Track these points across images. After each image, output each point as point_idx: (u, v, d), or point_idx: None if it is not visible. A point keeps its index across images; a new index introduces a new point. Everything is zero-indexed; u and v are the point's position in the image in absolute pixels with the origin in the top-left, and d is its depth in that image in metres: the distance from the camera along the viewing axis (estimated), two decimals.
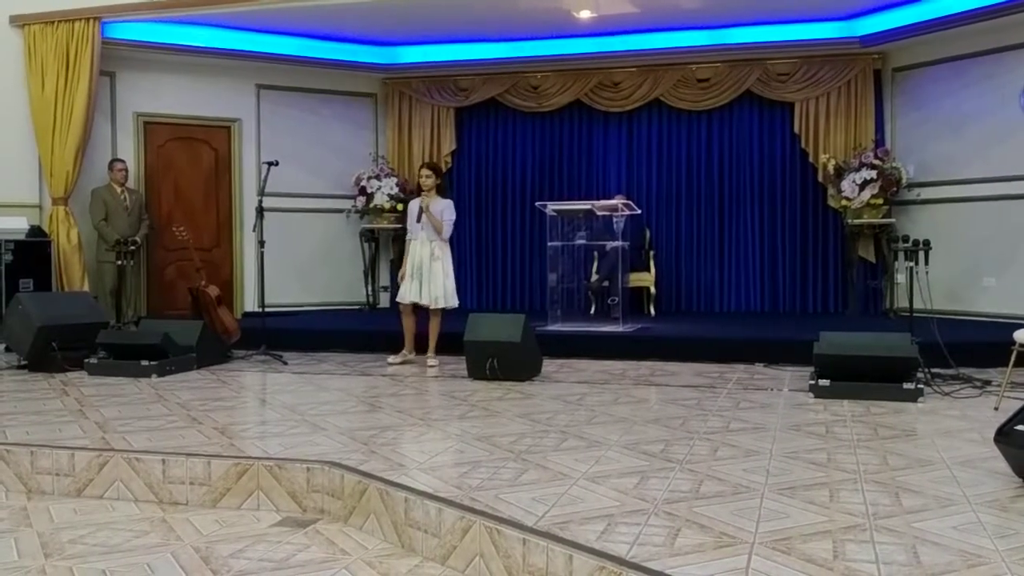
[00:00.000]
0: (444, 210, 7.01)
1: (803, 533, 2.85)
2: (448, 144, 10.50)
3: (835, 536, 2.83)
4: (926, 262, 6.13)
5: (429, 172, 7.06)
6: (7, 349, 7.55)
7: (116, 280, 8.55)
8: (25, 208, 8.66)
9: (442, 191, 7.13)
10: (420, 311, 7.16)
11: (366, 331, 8.33)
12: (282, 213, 9.36)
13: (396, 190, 9.93)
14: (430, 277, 6.94)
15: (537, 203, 8.83)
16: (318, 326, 8.69)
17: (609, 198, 8.98)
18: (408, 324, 7.20)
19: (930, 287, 6.19)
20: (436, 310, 7.04)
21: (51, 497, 4.06)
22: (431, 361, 7.04)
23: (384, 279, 10.54)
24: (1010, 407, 4.35)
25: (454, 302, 7.10)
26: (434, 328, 7.11)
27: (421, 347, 7.20)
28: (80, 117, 8.66)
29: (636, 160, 10.16)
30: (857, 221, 8.93)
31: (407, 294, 7.02)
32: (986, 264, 8.37)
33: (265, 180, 7.74)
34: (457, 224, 10.32)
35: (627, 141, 10.18)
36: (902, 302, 8.37)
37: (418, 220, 6.99)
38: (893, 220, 8.92)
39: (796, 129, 9.53)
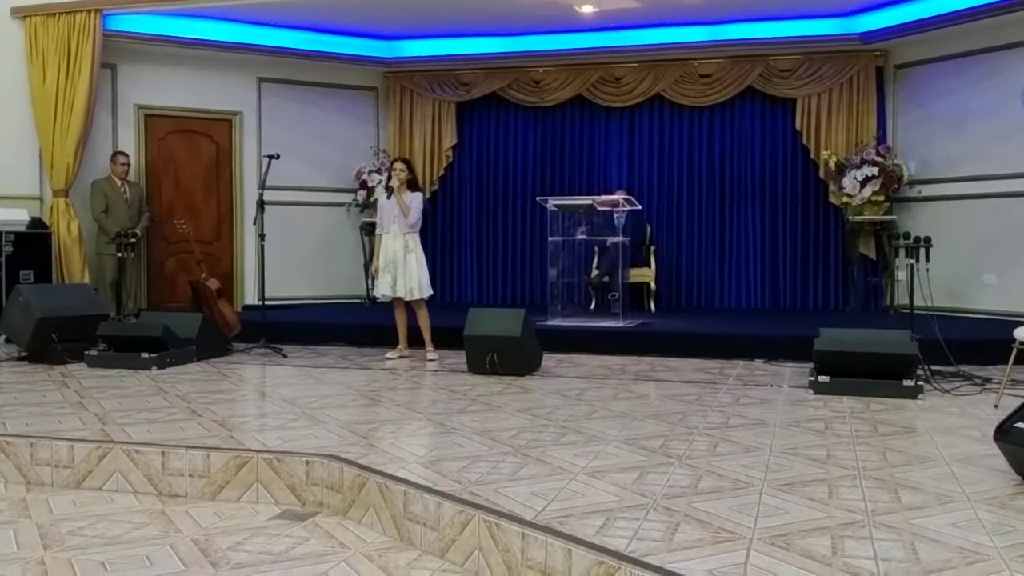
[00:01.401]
0: (412, 200, 7.05)
1: (802, 529, 2.85)
2: (449, 138, 10.49)
3: (834, 532, 2.83)
4: (927, 259, 6.13)
5: (403, 166, 7.10)
6: (7, 340, 7.54)
7: (116, 272, 8.54)
8: (25, 200, 8.66)
9: (413, 186, 7.15)
10: (409, 305, 7.18)
11: (366, 325, 8.33)
12: (283, 206, 9.35)
13: None
14: (405, 269, 6.99)
15: (538, 198, 8.83)
16: (318, 319, 8.69)
17: (610, 193, 8.98)
18: (400, 319, 7.23)
19: (931, 284, 6.18)
20: (419, 301, 7.08)
21: (50, 489, 4.06)
22: (431, 355, 7.05)
23: None
24: (1010, 405, 4.36)
25: (428, 291, 7.16)
26: (423, 320, 7.14)
27: (416, 341, 7.21)
28: (81, 109, 8.65)
29: (637, 155, 10.15)
30: (858, 218, 8.93)
31: (382, 287, 7.07)
32: (987, 261, 8.36)
33: (266, 173, 7.73)
34: (458, 218, 10.55)
35: (628, 136, 10.17)
36: (903, 299, 8.37)
37: (388, 196, 7.03)
38: (894, 217, 8.92)
39: (798, 125, 9.52)
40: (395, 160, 7.36)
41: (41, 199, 8.79)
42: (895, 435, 4.33)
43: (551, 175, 10.38)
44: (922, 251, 6.15)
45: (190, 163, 9.73)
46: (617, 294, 8.32)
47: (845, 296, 9.42)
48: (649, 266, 9.44)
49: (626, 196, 8.31)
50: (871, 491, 3.31)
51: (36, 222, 8.51)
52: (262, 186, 7.76)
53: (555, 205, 8.36)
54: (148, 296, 9.45)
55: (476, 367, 6.34)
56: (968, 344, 6.52)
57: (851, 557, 2.61)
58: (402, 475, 3.51)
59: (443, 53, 10.10)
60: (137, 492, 3.98)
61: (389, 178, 7.24)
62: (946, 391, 5.54)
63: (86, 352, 6.73)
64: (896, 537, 2.79)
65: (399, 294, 7.04)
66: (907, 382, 5.35)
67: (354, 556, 3.21)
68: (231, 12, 8.99)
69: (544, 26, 9.40)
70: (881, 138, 9.09)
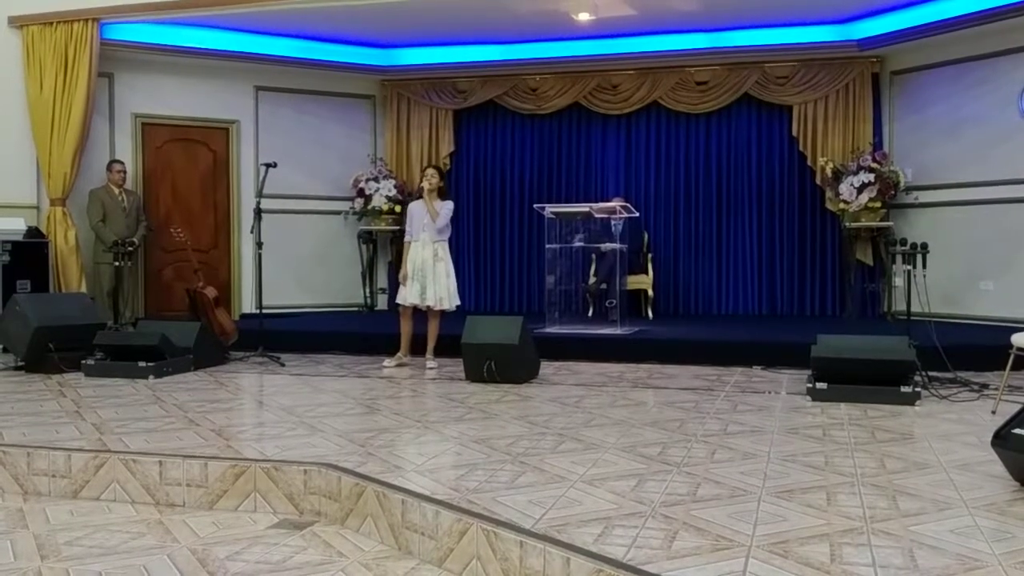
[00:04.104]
0: (443, 207, 7.07)
1: (800, 536, 2.85)
2: (447, 146, 10.50)
3: (832, 539, 2.83)
4: (924, 265, 6.14)
5: (435, 172, 7.12)
6: (4, 350, 7.54)
7: (113, 281, 8.53)
8: (23, 209, 8.65)
9: (443, 194, 7.16)
10: (418, 313, 7.17)
11: (364, 333, 8.32)
12: (280, 215, 9.37)
13: (394, 192, 9.94)
14: (434, 278, 6.97)
15: (535, 205, 8.84)
16: (316, 328, 8.68)
17: (607, 200, 8.99)
18: (406, 328, 7.21)
19: (928, 290, 6.19)
20: (436, 312, 7.06)
21: (47, 498, 4.06)
22: (430, 363, 7.04)
23: (382, 281, 10.53)
24: (1007, 410, 4.35)
25: (456, 302, 7.15)
26: (433, 330, 7.12)
27: (418, 349, 7.20)
28: (78, 118, 8.65)
29: (634, 163, 10.17)
30: (855, 224, 8.94)
31: (409, 296, 7.03)
32: (984, 267, 8.37)
33: (263, 182, 7.74)
34: (456, 225, 10.47)
35: (625, 144, 10.18)
36: (900, 305, 8.37)
37: (420, 196, 7.00)
38: (891, 223, 8.93)
39: (794, 132, 9.54)
40: (427, 167, 7.35)
41: (38, 208, 8.78)
42: (893, 442, 4.34)
43: (548, 182, 10.39)
44: (919, 257, 6.16)
45: (187, 172, 9.73)
46: (615, 301, 8.32)
47: (842, 302, 9.43)
48: (647, 273, 9.44)
49: (623, 203, 8.31)
50: (869, 498, 3.31)
51: (33, 231, 8.50)
52: (259, 194, 7.77)
53: (552, 212, 8.37)
54: (145, 305, 9.44)
55: (474, 375, 6.33)
56: (965, 350, 6.52)
57: (849, 564, 2.61)
58: (400, 484, 3.51)
59: (440, 61, 10.12)
60: (134, 502, 3.97)
61: (418, 191, 7.26)
62: (944, 397, 5.54)
63: (83, 361, 6.72)
64: (895, 544, 2.79)
65: (428, 303, 7.00)
66: (905, 388, 5.35)
67: (352, 565, 3.21)
68: (228, 21, 9.00)
69: (541, 34, 9.42)
70: (877, 144, 9.11)
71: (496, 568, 2.92)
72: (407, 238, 7.18)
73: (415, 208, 7.15)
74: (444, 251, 7.06)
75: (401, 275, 7.16)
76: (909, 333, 5.98)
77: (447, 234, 7.12)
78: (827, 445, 4.25)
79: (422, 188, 7.11)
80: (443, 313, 7.13)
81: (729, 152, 9.88)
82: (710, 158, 9.94)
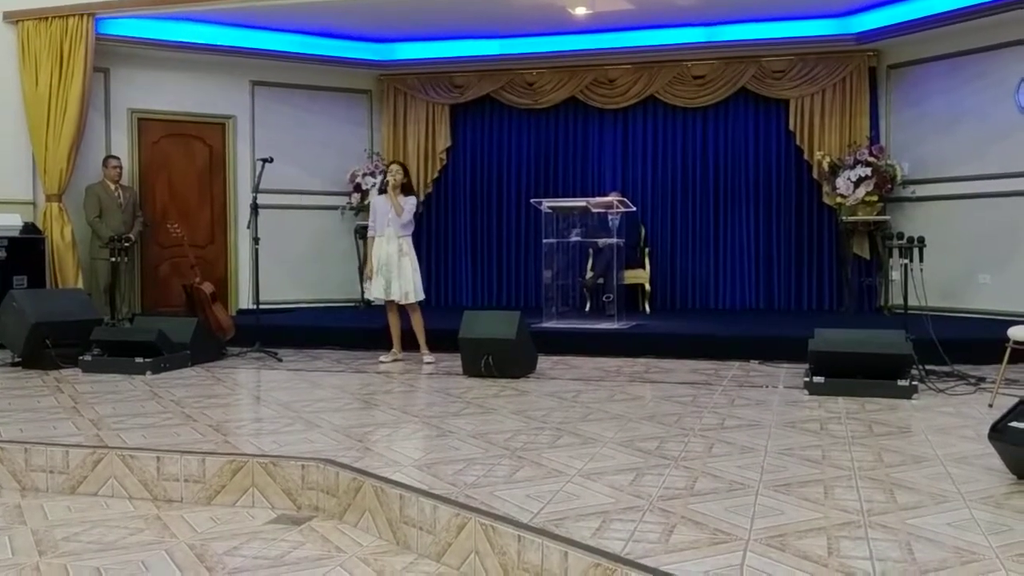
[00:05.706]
0: (406, 202, 7.04)
1: (798, 530, 2.86)
2: (443, 141, 10.49)
3: (830, 533, 2.83)
4: (921, 259, 6.15)
5: (399, 168, 7.11)
6: (1, 346, 7.52)
7: (110, 277, 8.51)
8: (19, 205, 8.62)
9: (407, 191, 7.13)
10: (403, 307, 7.18)
11: (361, 328, 8.32)
12: (277, 210, 9.36)
13: None
14: (399, 273, 6.97)
15: (532, 200, 8.84)
16: (313, 323, 8.68)
17: (604, 195, 8.98)
18: (393, 322, 7.21)
19: (924, 284, 6.20)
20: (412, 305, 7.07)
21: (45, 494, 4.05)
22: (427, 358, 7.05)
23: None
24: (1004, 404, 4.36)
25: (422, 295, 7.15)
26: (417, 324, 7.13)
27: (412, 345, 7.20)
28: (74, 114, 8.62)
29: (631, 157, 10.16)
30: (852, 218, 8.94)
31: (374, 291, 7.06)
32: (981, 261, 8.38)
33: (259, 177, 7.73)
34: (453, 221, 10.56)
35: (622, 138, 10.17)
36: (897, 299, 8.36)
37: (381, 191, 7.00)
38: (888, 217, 8.93)
39: (791, 126, 9.53)
40: (392, 163, 7.37)
41: (34, 204, 8.76)
42: (890, 435, 4.34)
43: (545, 177, 10.38)
44: (916, 251, 6.17)
45: (183, 167, 9.71)
46: (612, 296, 8.33)
47: (839, 296, 9.44)
48: (644, 268, 9.44)
49: (620, 198, 8.31)
50: (867, 491, 3.31)
51: (29, 227, 8.48)
52: (256, 190, 7.76)
53: (549, 207, 8.37)
54: (142, 301, 9.43)
55: (471, 370, 6.33)
56: (962, 344, 6.54)
57: (847, 557, 2.61)
58: (398, 478, 3.51)
59: (436, 55, 10.10)
60: (132, 497, 3.97)
61: (385, 180, 7.26)
62: (941, 391, 5.55)
63: (80, 357, 6.72)
64: (892, 537, 2.79)
65: (393, 297, 7.02)
66: (902, 382, 5.36)
67: (350, 560, 3.21)
68: (224, 15, 8.97)
69: (537, 28, 9.40)
70: (874, 138, 9.11)
71: (494, 562, 2.93)
72: (370, 233, 7.17)
73: (379, 203, 7.14)
74: (408, 245, 7.06)
75: (367, 270, 7.16)
76: (906, 327, 5.99)
77: (411, 229, 7.11)
78: (824, 439, 4.25)
79: (387, 184, 7.11)
80: (419, 305, 7.14)
81: (726, 146, 9.87)
82: (707, 152, 9.93)
